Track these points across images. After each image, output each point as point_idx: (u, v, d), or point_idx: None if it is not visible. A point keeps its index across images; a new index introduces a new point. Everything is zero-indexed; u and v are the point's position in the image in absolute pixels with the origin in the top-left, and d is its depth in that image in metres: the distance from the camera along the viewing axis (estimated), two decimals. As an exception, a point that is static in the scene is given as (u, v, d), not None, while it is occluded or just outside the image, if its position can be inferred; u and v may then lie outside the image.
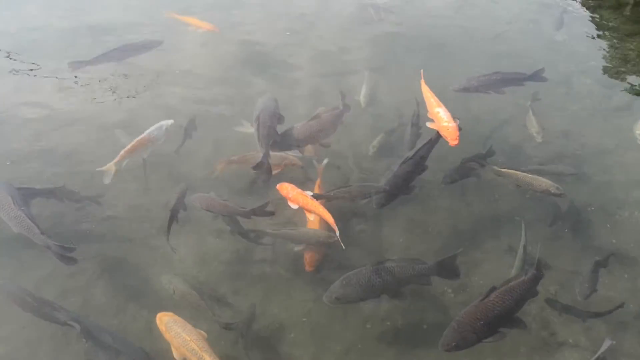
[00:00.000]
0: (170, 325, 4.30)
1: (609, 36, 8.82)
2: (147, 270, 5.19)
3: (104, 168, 5.55)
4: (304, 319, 4.91)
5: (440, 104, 5.61)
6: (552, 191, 5.55)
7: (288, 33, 8.60)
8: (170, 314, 4.44)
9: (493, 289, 4.39)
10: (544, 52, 8.25)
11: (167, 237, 5.14)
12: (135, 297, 4.98)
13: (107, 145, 6.24)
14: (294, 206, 4.93)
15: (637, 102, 7.43)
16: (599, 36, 8.79)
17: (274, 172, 5.58)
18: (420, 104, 6.10)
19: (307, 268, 5.19)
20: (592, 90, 7.64)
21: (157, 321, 4.40)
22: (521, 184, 5.70)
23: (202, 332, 4.36)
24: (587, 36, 8.78)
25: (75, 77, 7.41)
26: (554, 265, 5.34)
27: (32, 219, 4.89)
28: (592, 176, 6.27)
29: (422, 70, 6.06)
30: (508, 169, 5.81)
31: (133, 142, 5.71)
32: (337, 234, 4.68)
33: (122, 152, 5.63)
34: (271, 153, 5.42)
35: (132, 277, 5.15)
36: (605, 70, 8.05)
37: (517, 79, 6.78)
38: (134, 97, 7.25)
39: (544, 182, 5.59)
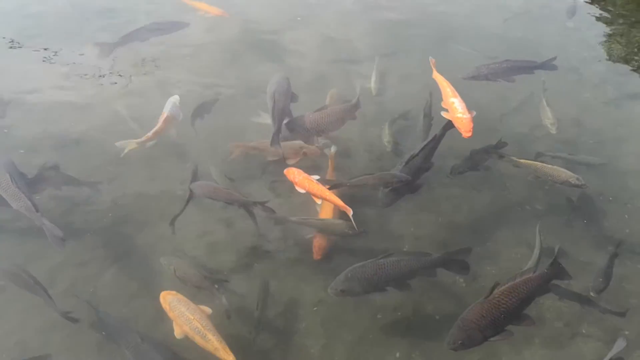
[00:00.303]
0: (174, 304, 4.36)
1: (621, 23, 8.72)
2: (157, 259, 5.11)
3: (123, 143, 5.73)
4: (315, 308, 4.89)
5: (456, 93, 5.53)
6: (573, 182, 5.42)
7: (299, 18, 8.51)
8: (174, 292, 4.48)
9: (497, 284, 4.26)
10: (555, 39, 8.15)
11: (176, 216, 5.23)
12: (146, 286, 4.96)
13: (115, 130, 6.30)
14: (301, 191, 4.96)
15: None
16: (611, 23, 8.68)
17: (293, 161, 5.58)
18: (433, 93, 6.05)
19: (315, 256, 5.16)
20: (605, 78, 7.55)
21: (161, 300, 4.46)
22: (540, 175, 5.59)
23: (206, 308, 4.41)
24: (600, 23, 8.67)
25: (82, 62, 7.45)
26: (567, 255, 5.29)
27: (29, 196, 4.93)
28: (605, 165, 6.17)
29: (432, 59, 5.98)
30: (526, 159, 5.73)
31: (159, 124, 5.82)
32: (351, 214, 4.73)
33: (149, 134, 5.73)
34: (289, 142, 5.53)
35: (143, 266, 5.11)
36: (619, 57, 7.95)
37: (527, 67, 6.66)
38: (140, 82, 7.27)
39: (563, 173, 5.47)
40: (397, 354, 4.60)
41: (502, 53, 7.24)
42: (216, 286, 4.73)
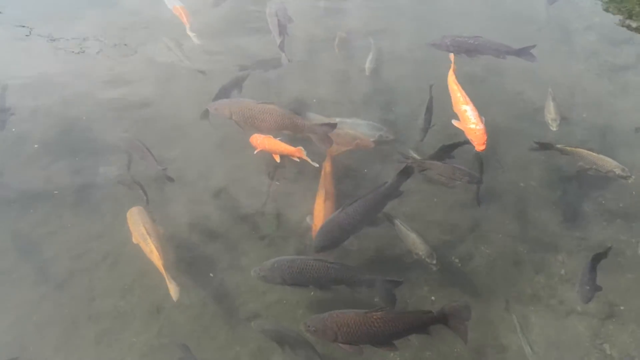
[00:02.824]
0: (134, 214, 4.92)
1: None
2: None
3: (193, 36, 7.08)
4: (312, 293, 4.89)
5: (468, 100, 5.27)
6: (617, 172, 5.26)
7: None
8: (140, 207, 4.99)
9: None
10: (546, 9, 8.00)
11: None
12: (141, 277, 4.95)
13: (105, 102, 6.56)
14: (256, 151, 5.43)
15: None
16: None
17: (344, 148, 5.69)
18: (434, 87, 5.85)
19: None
20: (597, 48, 7.45)
21: (127, 213, 4.97)
22: (585, 163, 5.43)
23: (160, 228, 4.92)
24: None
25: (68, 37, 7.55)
26: (562, 230, 5.34)
27: None
28: (598, 139, 6.14)
29: (452, 55, 5.76)
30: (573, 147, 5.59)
31: (182, 15, 7.28)
32: (305, 153, 5.18)
33: (186, 23, 7.19)
34: (342, 132, 5.71)
35: (137, 258, 5.03)
36: (611, 26, 7.84)
37: (497, 50, 6.23)
38: (132, 54, 7.33)
39: (608, 162, 5.32)
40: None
41: (488, 25, 7.28)
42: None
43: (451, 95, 5.46)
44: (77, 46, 7.39)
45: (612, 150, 5.86)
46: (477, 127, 5.05)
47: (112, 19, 7.82)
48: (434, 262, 4.77)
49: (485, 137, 5.01)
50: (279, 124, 5.40)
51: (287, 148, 5.27)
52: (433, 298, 4.89)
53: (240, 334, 4.66)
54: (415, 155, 5.47)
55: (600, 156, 5.40)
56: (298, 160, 5.28)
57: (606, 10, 8.14)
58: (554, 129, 5.94)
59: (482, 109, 5.43)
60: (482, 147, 5.01)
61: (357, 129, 5.95)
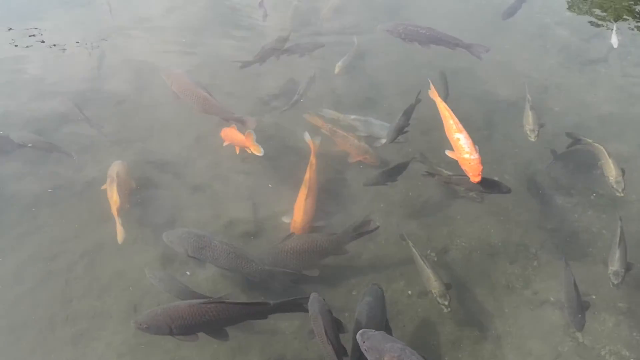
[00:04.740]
0: (115, 164, 5.39)
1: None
2: (127, 250, 5.10)
3: None
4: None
5: (461, 127, 4.93)
6: (612, 180, 5.33)
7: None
8: (124, 162, 5.49)
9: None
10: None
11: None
12: (117, 277, 4.94)
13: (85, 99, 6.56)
14: (226, 144, 5.66)
15: (613, 53, 7.37)
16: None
17: (355, 159, 5.78)
18: (422, 98, 5.70)
19: None
20: (568, 43, 7.57)
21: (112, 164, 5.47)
22: (599, 157, 5.57)
23: (132, 182, 5.46)
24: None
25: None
26: (535, 223, 5.43)
27: None
28: (570, 131, 6.22)
29: (429, 79, 5.59)
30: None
31: None
32: (254, 138, 5.36)
33: None
34: (355, 142, 5.84)
35: (114, 258, 5.07)
36: (581, 20, 7.96)
37: (447, 42, 6.37)
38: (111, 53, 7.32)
39: (611, 170, 5.37)
40: (372, 331, 4.65)
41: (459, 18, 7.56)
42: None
43: (443, 122, 5.17)
44: (55, 44, 7.37)
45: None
46: (472, 157, 4.74)
47: (89, 17, 7.81)
48: (446, 303, 4.56)
49: (480, 168, 4.73)
50: (201, 107, 5.81)
51: (240, 139, 5.46)
52: (410, 292, 4.93)
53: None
54: (444, 171, 5.42)
55: (610, 160, 5.41)
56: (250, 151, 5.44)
57: (576, 4, 8.26)
58: (533, 140, 5.80)
59: (454, 103, 5.53)
60: (478, 178, 4.76)
61: (370, 128, 5.98)
